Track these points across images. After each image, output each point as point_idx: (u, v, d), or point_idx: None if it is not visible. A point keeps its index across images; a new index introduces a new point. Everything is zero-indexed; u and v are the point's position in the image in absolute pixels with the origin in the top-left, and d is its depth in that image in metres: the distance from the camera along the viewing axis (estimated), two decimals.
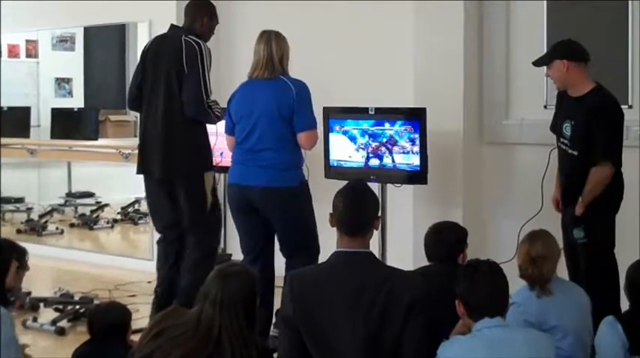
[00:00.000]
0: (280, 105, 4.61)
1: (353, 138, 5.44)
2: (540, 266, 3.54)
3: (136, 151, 5.23)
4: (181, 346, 2.73)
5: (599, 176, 4.29)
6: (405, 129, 5.22)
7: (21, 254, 3.61)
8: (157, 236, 5.38)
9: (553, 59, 4.45)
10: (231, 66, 6.70)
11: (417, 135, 5.17)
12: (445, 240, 3.86)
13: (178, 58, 4.87)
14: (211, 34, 5.15)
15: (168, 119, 4.95)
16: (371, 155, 5.36)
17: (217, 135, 5.29)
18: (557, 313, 3.52)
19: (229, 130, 4.84)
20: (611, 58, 5.18)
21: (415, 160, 5.19)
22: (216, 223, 5.19)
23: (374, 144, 5.34)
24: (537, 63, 4.60)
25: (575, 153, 4.37)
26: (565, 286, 3.72)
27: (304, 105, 4.65)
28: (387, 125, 5.29)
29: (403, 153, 5.24)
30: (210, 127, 5.17)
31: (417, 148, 5.17)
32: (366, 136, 5.38)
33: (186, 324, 2.79)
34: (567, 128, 4.42)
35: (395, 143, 5.26)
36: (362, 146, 5.39)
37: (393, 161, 5.29)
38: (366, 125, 5.38)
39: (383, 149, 5.31)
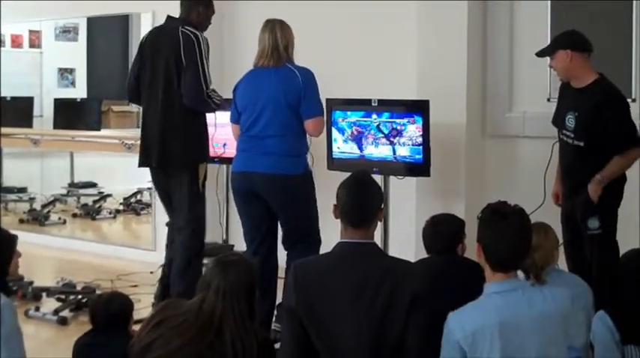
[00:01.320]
0: (287, 92, 4.61)
1: (356, 130, 5.44)
2: (532, 255, 3.54)
3: (139, 142, 5.25)
4: (182, 334, 2.74)
5: (626, 160, 4.33)
6: (408, 122, 5.23)
7: (16, 241, 3.63)
8: (159, 226, 5.41)
9: (557, 49, 4.44)
10: (235, 56, 6.71)
11: (420, 128, 5.17)
12: (443, 231, 3.87)
13: (176, 49, 4.88)
14: (208, 23, 5.15)
15: (168, 110, 4.96)
16: (374, 147, 5.36)
17: (216, 126, 5.29)
18: None
19: (235, 119, 4.84)
20: (614, 55, 5.18)
21: (418, 153, 5.19)
22: (202, 218, 5.19)
23: (377, 136, 5.35)
24: (541, 53, 4.59)
25: (581, 143, 4.36)
26: (562, 277, 3.71)
27: (311, 93, 4.65)
28: (390, 117, 5.30)
29: (406, 145, 5.24)
30: (208, 119, 5.18)
31: (419, 140, 5.18)
32: (369, 128, 5.38)
33: (187, 313, 2.80)
34: (570, 119, 4.41)
35: (398, 135, 5.26)
36: (365, 138, 5.39)
37: (396, 153, 5.29)
38: (369, 117, 5.38)
39: (386, 141, 5.31)
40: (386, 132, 5.30)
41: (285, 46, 4.68)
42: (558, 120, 4.55)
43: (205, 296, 2.81)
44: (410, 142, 5.22)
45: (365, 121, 5.39)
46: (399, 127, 5.25)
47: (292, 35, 4.74)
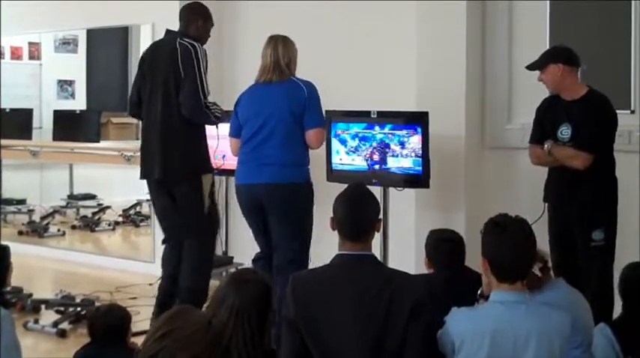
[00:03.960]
0: (291, 104, 4.66)
1: (355, 142, 5.44)
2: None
3: (138, 154, 5.24)
4: (187, 349, 2.70)
5: (573, 156, 4.38)
6: (408, 133, 5.23)
7: (9, 252, 3.63)
8: (158, 238, 5.39)
9: (548, 63, 4.49)
10: (234, 66, 6.73)
11: (419, 139, 5.17)
12: (460, 247, 3.87)
13: (174, 62, 4.88)
14: (207, 36, 5.15)
15: (167, 123, 4.95)
16: (373, 158, 5.36)
17: (219, 138, 5.29)
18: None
19: (235, 132, 4.85)
20: (613, 62, 5.19)
21: (417, 164, 5.19)
22: (212, 228, 5.18)
23: (376, 148, 5.35)
24: (532, 67, 4.62)
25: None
26: (566, 291, 3.70)
27: (314, 105, 4.71)
28: (389, 128, 5.30)
29: (405, 156, 5.24)
30: (211, 130, 5.17)
31: (419, 152, 5.18)
32: (368, 139, 5.38)
33: (195, 326, 2.76)
34: (565, 131, 4.45)
35: (397, 146, 5.26)
36: (364, 149, 5.39)
37: (395, 165, 5.29)
38: (368, 128, 5.38)
39: (385, 152, 5.31)
40: (385, 143, 5.30)
41: (287, 62, 4.74)
42: (546, 135, 4.55)
43: (217, 312, 2.76)
44: (409, 154, 5.22)
45: (364, 133, 5.39)
46: (398, 139, 5.25)
47: (295, 51, 4.79)
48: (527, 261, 2.98)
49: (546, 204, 4.67)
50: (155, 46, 5.17)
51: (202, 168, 5.05)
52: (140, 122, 5.39)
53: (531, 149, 4.67)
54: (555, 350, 2.89)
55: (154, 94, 5.00)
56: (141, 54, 5.27)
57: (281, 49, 4.75)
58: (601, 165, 4.40)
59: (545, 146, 4.50)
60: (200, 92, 4.85)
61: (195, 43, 4.92)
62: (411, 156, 5.22)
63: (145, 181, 5.21)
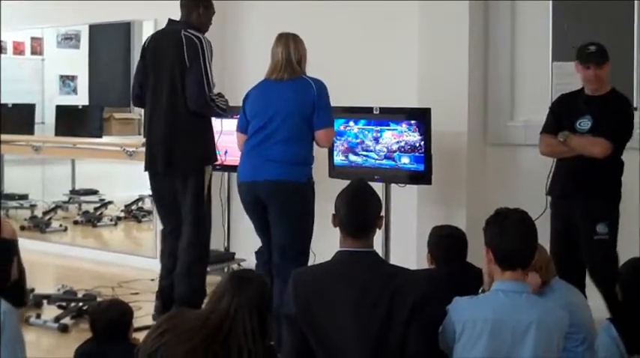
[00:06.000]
0: (300, 102, 4.63)
1: (357, 138, 5.44)
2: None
3: (141, 149, 5.25)
4: (186, 343, 2.73)
5: (593, 143, 4.39)
6: (410, 130, 5.23)
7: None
8: (160, 234, 5.40)
9: (606, 60, 4.47)
10: (237, 62, 6.73)
11: (421, 136, 5.17)
12: (461, 243, 3.88)
13: (180, 53, 4.88)
14: (209, 23, 5.14)
15: (173, 115, 4.96)
16: (375, 155, 5.36)
17: (221, 133, 5.29)
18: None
19: (242, 128, 4.82)
20: (615, 61, 5.17)
21: (419, 161, 5.20)
22: (208, 222, 5.18)
23: (378, 144, 5.35)
24: (593, 61, 4.47)
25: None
26: (565, 289, 3.71)
27: (324, 104, 4.68)
28: (391, 125, 5.30)
29: (407, 153, 5.25)
30: (215, 126, 5.17)
31: (421, 149, 5.18)
32: (371, 136, 5.38)
33: (193, 322, 2.79)
34: (583, 123, 4.47)
35: (399, 143, 5.26)
36: (366, 146, 5.40)
37: (397, 161, 5.29)
38: (370, 125, 5.38)
39: (387, 149, 5.31)
40: (387, 139, 5.30)
41: (298, 60, 4.70)
42: (561, 127, 4.55)
43: (215, 308, 2.79)
44: (411, 150, 5.23)
45: (366, 129, 5.39)
46: (400, 135, 5.25)
47: (305, 49, 4.76)
48: (529, 248, 3.03)
49: (549, 198, 4.67)
50: (159, 36, 5.15)
51: (206, 160, 5.06)
52: (143, 114, 5.39)
53: (543, 138, 4.64)
54: (553, 344, 2.93)
55: (159, 86, 5.00)
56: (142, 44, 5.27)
57: (292, 47, 4.71)
58: (610, 162, 4.40)
59: (560, 136, 4.48)
60: (205, 85, 4.86)
61: (201, 35, 4.93)
62: (413, 153, 5.22)
63: (146, 175, 5.22)
